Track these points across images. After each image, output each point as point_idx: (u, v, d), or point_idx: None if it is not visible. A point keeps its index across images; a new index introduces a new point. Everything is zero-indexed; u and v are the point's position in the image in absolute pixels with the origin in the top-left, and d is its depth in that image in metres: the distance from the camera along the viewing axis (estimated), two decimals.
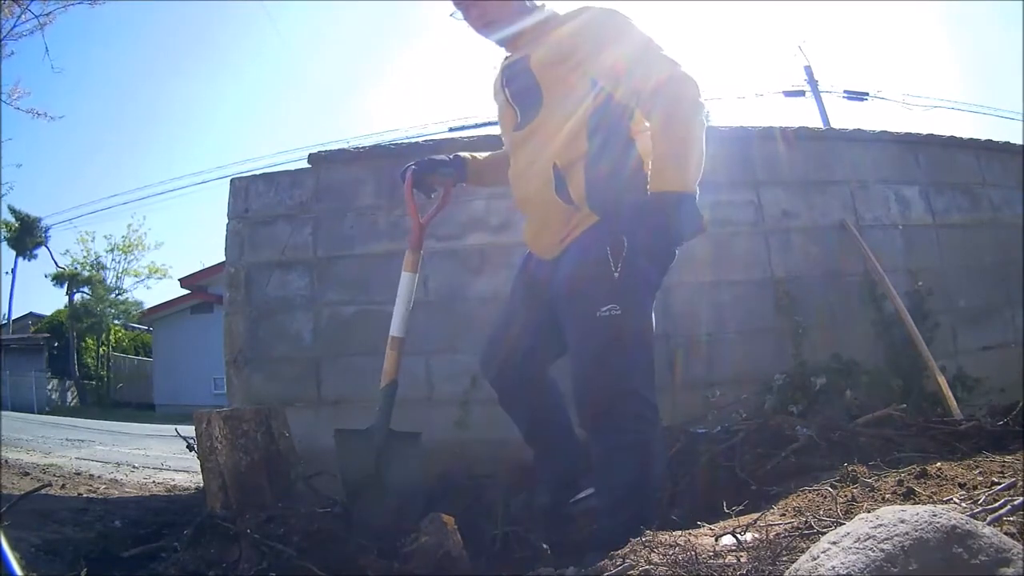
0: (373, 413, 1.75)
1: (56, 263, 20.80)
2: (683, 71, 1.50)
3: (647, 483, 1.53)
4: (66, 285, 20.29)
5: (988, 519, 0.99)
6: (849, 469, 1.53)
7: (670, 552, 1.10)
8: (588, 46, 1.53)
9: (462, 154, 1.89)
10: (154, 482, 3.54)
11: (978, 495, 1.23)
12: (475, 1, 1.61)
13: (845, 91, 13.16)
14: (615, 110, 1.56)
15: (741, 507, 1.36)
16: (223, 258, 2.99)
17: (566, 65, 1.54)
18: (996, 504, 1.09)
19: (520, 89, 1.62)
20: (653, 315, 1.65)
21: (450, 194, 1.91)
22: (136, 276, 21.78)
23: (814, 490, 1.45)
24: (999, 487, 1.24)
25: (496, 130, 1.90)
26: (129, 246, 21.42)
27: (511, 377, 1.77)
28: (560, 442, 1.81)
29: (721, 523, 1.30)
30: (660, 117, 1.49)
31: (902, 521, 0.80)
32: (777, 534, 1.10)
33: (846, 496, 1.36)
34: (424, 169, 1.82)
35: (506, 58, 1.70)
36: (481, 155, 1.90)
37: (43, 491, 2.35)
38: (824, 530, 1.03)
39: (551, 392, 1.82)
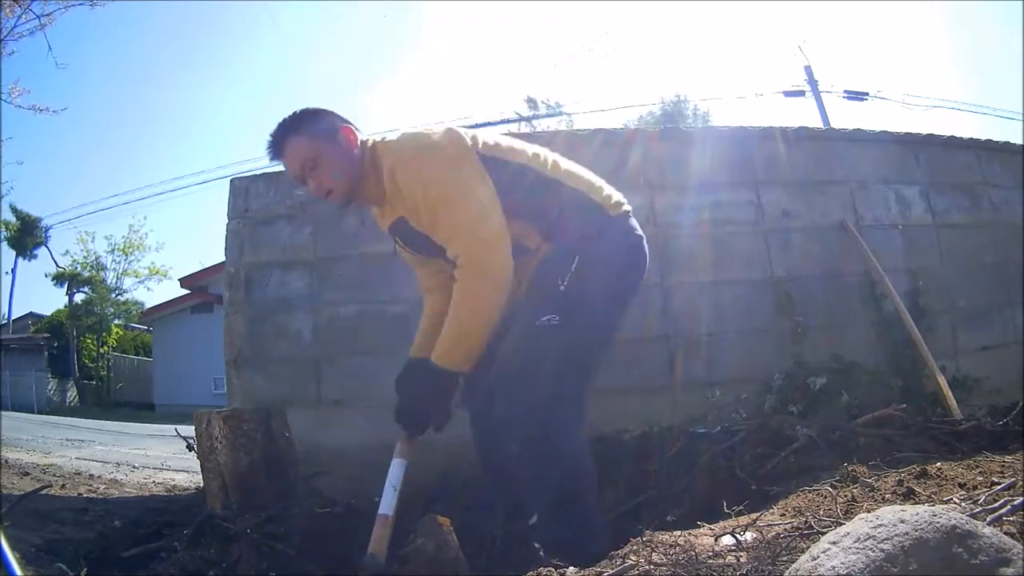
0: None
1: (56, 263, 20.80)
2: (482, 251, 1.49)
3: (574, 500, 1.51)
4: (66, 285, 20.29)
5: (988, 519, 0.99)
6: (849, 469, 1.53)
7: (670, 552, 1.10)
8: (419, 205, 1.54)
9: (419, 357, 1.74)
10: (154, 482, 3.54)
11: (978, 495, 1.23)
12: (307, 175, 1.60)
13: (845, 91, 13.17)
14: (513, 173, 1.59)
15: (741, 507, 1.36)
16: (223, 258, 2.99)
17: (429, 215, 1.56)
18: (996, 504, 1.09)
19: (408, 238, 1.67)
20: (601, 343, 1.67)
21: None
22: (136, 277, 21.79)
23: (814, 490, 1.45)
24: (999, 487, 1.24)
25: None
26: (130, 247, 21.43)
27: (477, 403, 1.75)
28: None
29: (721, 523, 1.30)
30: (460, 292, 1.50)
31: (902, 521, 0.80)
32: (777, 534, 1.10)
33: (846, 496, 1.36)
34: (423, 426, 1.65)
35: (378, 215, 1.74)
36: (425, 336, 1.81)
37: (43, 491, 2.36)
38: (824, 530, 1.03)
39: None
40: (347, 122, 1.64)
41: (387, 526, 1.49)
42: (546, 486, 1.50)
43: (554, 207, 1.63)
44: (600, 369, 1.69)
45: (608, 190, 1.71)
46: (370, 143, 1.64)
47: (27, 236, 19.89)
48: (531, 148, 1.68)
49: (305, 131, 1.59)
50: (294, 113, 1.62)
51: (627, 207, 1.72)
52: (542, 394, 1.50)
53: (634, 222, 1.71)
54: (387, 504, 1.54)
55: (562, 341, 1.53)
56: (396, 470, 1.58)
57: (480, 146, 1.59)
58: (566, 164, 1.70)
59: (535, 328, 1.52)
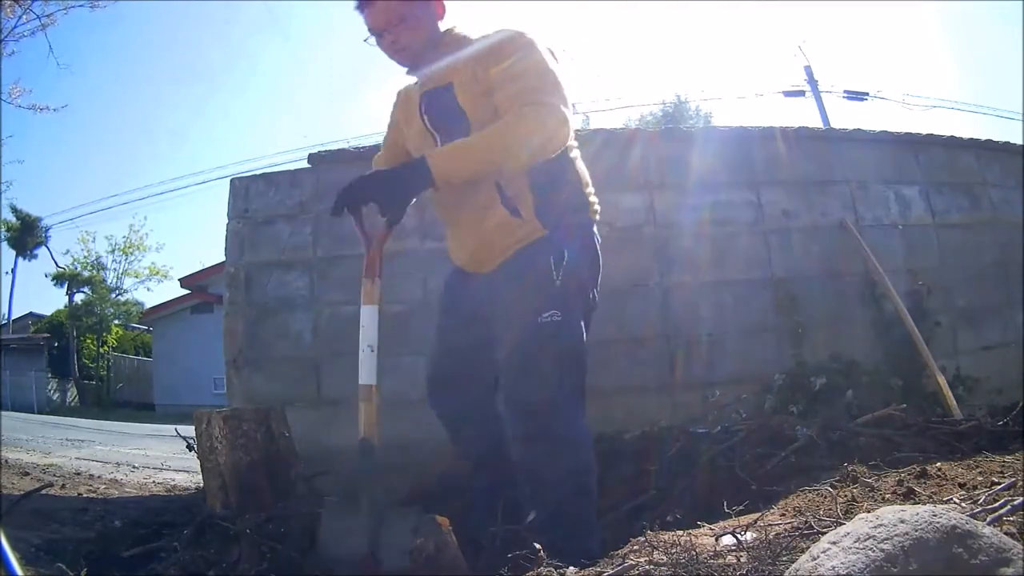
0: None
1: (56, 263, 20.83)
2: (564, 110, 1.51)
3: (581, 494, 1.54)
4: (66, 285, 20.30)
5: (988, 519, 0.99)
6: (849, 469, 1.53)
7: (670, 552, 1.10)
8: (494, 66, 1.54)
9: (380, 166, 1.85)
10: (154, 482, 3.54)
11: (978, 495, 1.23)
12: (388, 29, 1.60)
13: (845, 91, 13.21)
14: None
15: (741, 507, 1.36)
16: (223, 258, 2.99)
17: (485, 90, 1.55)
18: (996, 504, 1.09)
19: (441, 115, 1.63)
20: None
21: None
22: (136, 277, 21.80)
23: (814, 490, 1.45)
24: (999, 487, 1.24)
25: None
26: (130, 247, 21.44)
27: (460, 402, 1.78)
28: (506, 469, 1.75)
29: (721, 523, 1.30)
30: (515, 116, 1.48)
31: (902, 521, 0.80)
32: (777, 534, 1.10)
33: (846, 496, 1.36)
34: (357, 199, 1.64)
35: (420, 84, 1.69)
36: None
37: (43, 491, 2.36)
38: (824, 530, 1.03)
39: (498, 415, 1.77)
40: None
41: (372, 398, 1.39)
42: (554, 482, 1.53)
43: (558, 186, 1.63)
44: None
45: (593, 192, 1.73)
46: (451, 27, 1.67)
47: (27, 236, 19.91)
48: None
49: None
50: None
51: (598, 216, 1.74)
52: (553, 391, 1.54)
53: (597, 233, 1.75)
54: (367, 371, 1.41)
55: (564, 337, 1.56)
56: (368, 320, 1.45)
57: None
58: (577, 151, 1.71)
59: (539, 325, 1.53)
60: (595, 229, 1.72)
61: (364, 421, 1.39)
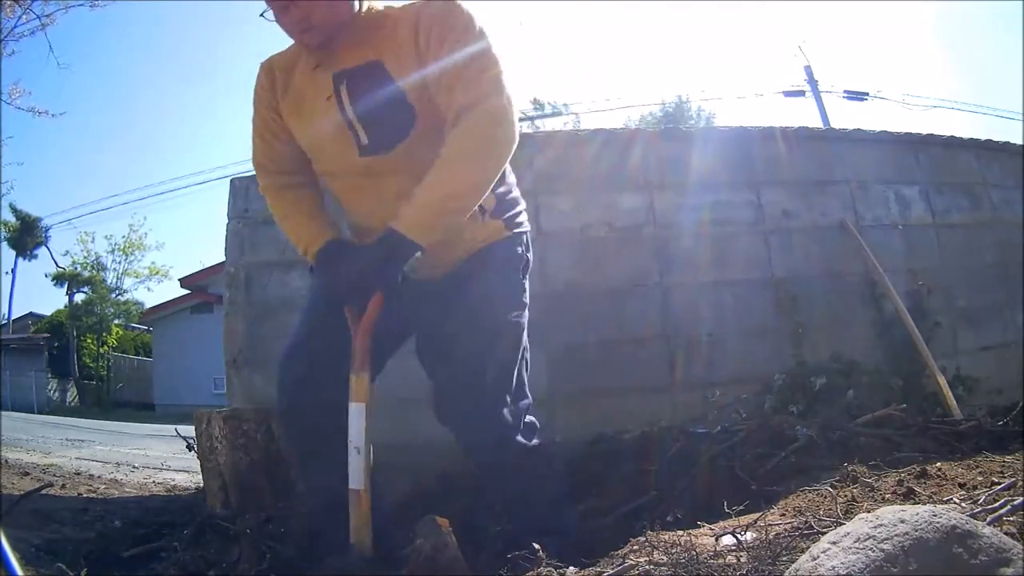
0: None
1: (56, 263, 20.84)
2: (509, 107, 1.31)
3: (545, 487, 1.55)
4: (66, 285, 20.30)
5: (988, 519, 0.99)
6: (849, 469, 1.53)
7: (670, 551, 1.10)
8: (433, 46, 1.31)
9: (330, 238, 1.48)
10: (154, 482, 3.54)
11: (978, 495, 1.23)
12: (294, 6, 1.31)
13: (845, 91, 13.22)
14: None
15: (741, 507, 1.36)
16: (223, 258, 2.99)
17: (438, 75, 1.32)
18: (996, 504, 1.09)
19: (370, 101, 1.34)
20: None
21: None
22: (136, 277, 21.81)
23: (814, 490, 1.45)
24: (999, 487, 1.24)
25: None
26: (130, 247, 21.44)
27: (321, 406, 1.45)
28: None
29: (721, 523, 1.30)
30: (466, 134, 1.29)
31: (902, 521, 0.80)
32: (777, 534, 1.10)
33: (846, 496, 1.36)
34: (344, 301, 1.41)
35: (323, 62, 1.40)
36: (322, 220, 1.54)
37: (43, 491, 2.36)
38: (824, 530, 1.03)
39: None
40: None
41: (360, 502, 1.28)
42: (523, 476, 1.53)
43: (510, 186, 1.56)
44: None
45: (519, 194, 1.62)
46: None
47: (27, 236, 19.92)
48: None
49: None
50: None
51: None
52: (519, 389, 1.53)
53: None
54: (354, 475, 1.28)
55: (521, 338, 1.53)
56: (355, 422, 1.30)
57: None
58: None
59: (508, 324, 1.48)
60: (527, 235, 1.59)
61: (353, 528, 1.28)
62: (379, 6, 1.42)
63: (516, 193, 1.58)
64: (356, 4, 1.38)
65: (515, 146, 1.35)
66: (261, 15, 1.37)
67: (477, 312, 1.45)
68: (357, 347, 1.35)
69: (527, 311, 1.55)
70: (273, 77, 1.48)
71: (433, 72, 1.31)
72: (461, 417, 1.47)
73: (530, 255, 1.58)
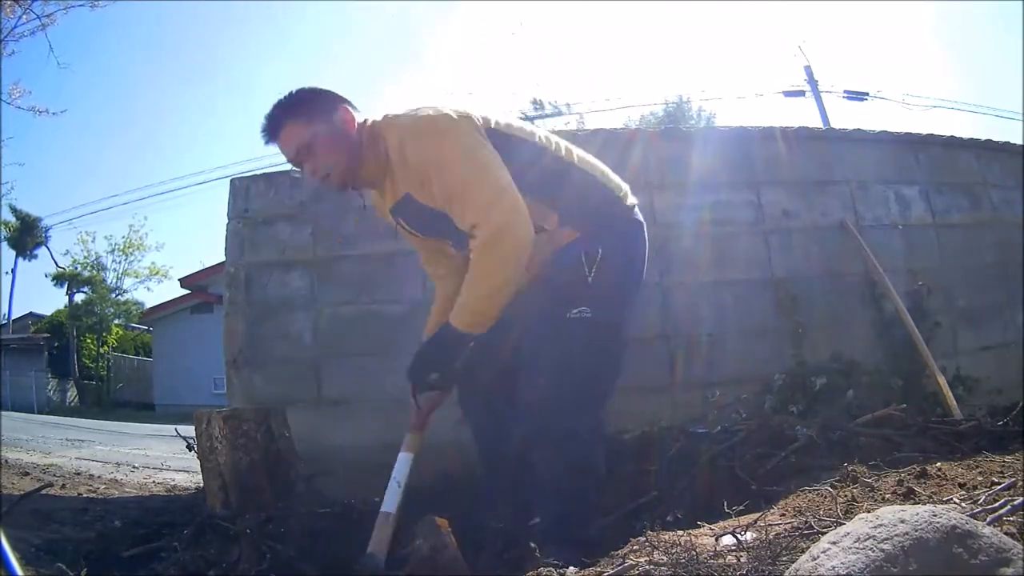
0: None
1: (56, 263, 20.83)
2: (509, 209, 1.44)
3: (589, 493, 1.57)
4: (66, 285, 20.29)
5: (988, 519, 0.99)
6: (849, 469, 1.53)
7: (671, 552, 1.10)
8: (435, 182, 1.50)
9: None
10: (154, 482, 3.54)
11: (978, 495, 1.23)
12: (302, 160, 1.55)
13: (845, 91, 13.22)
14: (531, 152, 1.59)
15: (741, 507, 1.36)
16: (223, 258, 2.99)
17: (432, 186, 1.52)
18: (996, 504, 1.09)
19: (418, 221, 1.65)
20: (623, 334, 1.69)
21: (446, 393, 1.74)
22: (136, 277, 21.80)
23: (814, 490, 1.45)
24: (999, 487, 1.24)
25: None
26: (130, 247, 21.43)
27: (485, 402, 1.77)
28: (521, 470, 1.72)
29: (721, 523, 1.30)
30: (480, 255, 1.45)
31: (902, 521, 0.80)
32: (777, 534, 1.10)
33: (846, 496, 1.36)
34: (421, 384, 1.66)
35: (377, 199, 1.74)
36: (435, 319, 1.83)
37: (43, 491, 2.36)
38: (824, 530, 1.03)
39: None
40: (345, 101, 1.59)
41: (389, 524, 1.46)
42: (564, 477, 1.53)
43: (571, 191, 1.62)
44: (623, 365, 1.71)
45: (617, 179, 1.72)
46: (369, 123, 1.59)
47: (27, 236, 19.92)
48: (540, 131, 1.69)
49: (302, 113, 1.54)
50: (290, 94, 1.56)
51: (634, 199, 1.73)
52: (578, 389, 1.53)
53: (639, 214, 1.73)
54: (390, 501, 1.50)
55: (595, 334, 1.54)
56: (401, 465, 1.55)
57: (493, 124, 1.56)
58: (578, 151, 1.70)
59: (567, 321, 1.52)
60: (638, 215, 1.70)
61: (375, 540, 1.45)
62: (374, 121, 1.60)
63: (587, 191, 1.64)
64: (352, 135, 1.56)
65: (527, 243, 1.46)
66: (291, 172, 1.68)
67: (537, 313, 1.57)
68: (419, 415, 1.65)
69: (605, 307, 1.57)
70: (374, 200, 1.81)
71: (437, 191, 1.50)
72: (523, 404, 1.58)
73: (622, 250, 1.62)
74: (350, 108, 1.59)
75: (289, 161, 1.60)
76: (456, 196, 1.47)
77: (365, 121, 1.60)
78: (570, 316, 1.52)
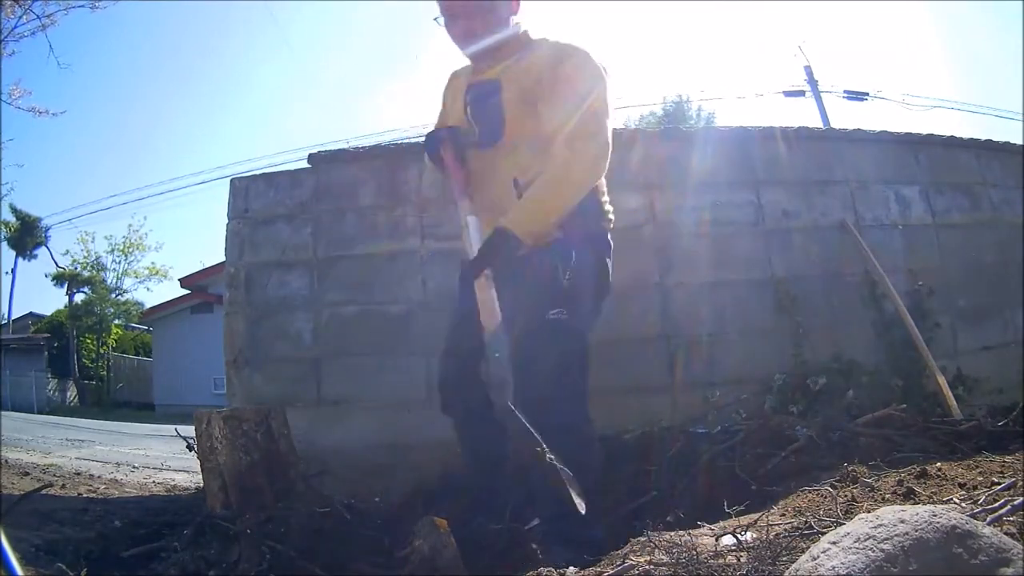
0: None
1: (56, 263, 20.82)
2: (607, 143, 1.64)
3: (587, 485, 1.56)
4: (66, 285, 20.29)
5: (988, 519, 0.99)
6: (849, 469, 1.53)
7: (671, 552, 1.10)
8: (560, 90, 1.63)
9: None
10: (154, 482, 3.54)
11: (978, 495, 1.23)
12: (468, 16, 1.67)
13: (845, 91, 13.22)
14: None
15: (741, 507, 1.36)
16: (223, 258, 2.99)
17: (530, 100, 1.66)
18: (996, 504, 1.09)
19: (481, 109, 1.73)
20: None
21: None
22: (136, 277, 21.79)
23: (814, 490, 1.45)
24: (999, 487, 1.24)
25: None
26: (130, 246, 21.43)
27: (471, 401, 1.79)
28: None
29: (721, 523, 1.30)
30: (553, 172, 1.61)
31: (902, 521, 0.80)
32: (777, 534, 1.10)
33: (846, 496, 1.36)
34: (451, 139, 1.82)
35: (472, 70, 1.79)
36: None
37: (43, 491, 2.36)
38: (824, 530, 1.03)
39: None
40: None
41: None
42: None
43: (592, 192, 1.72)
44: None
45: (608, 200, 1.80)
46: (522, 28, 1.76)
47: (27, 236, 19.91)
48: None
49: None
50: None
51: (613, 223, 1.82)
52: (561, 387, 1.58)
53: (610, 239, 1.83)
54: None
55: (569, 336, 1.62)
56: (475, 226, 1.67)
57: None
58: None
59: (547, 322, 1.59)
60: (609, 238, 1.79)
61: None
62: (529, 34, 1.74)
63: (596, 198, 1.75)
64: (511, 22, 1.70)
65: (603, 173, 1.67)
66: (434, 19, 1.72)
67: (517, 312, 1.63)
68: (457, 180, 1.75)
69: (578, 311, 1.65)
70: (450, 83, 1.92)
71: (551, 104, 1.63)
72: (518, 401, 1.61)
73: (595, 258, 1.72)
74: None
75: (445, 12, 1.70)
76: (575, 112, 1.61)
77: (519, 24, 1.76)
78: (549, 317, 1.60)
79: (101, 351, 21.00)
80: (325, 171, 2.94)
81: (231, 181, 2.99)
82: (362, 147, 3.12)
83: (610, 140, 1.65)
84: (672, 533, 1.21)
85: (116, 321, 21.58)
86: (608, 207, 1.80)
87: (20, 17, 6.63)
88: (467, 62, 1.87)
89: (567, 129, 1.61)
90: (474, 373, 1.77)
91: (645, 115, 18.42)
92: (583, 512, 1.52)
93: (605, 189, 1.80)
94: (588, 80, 1.64)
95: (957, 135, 3.45)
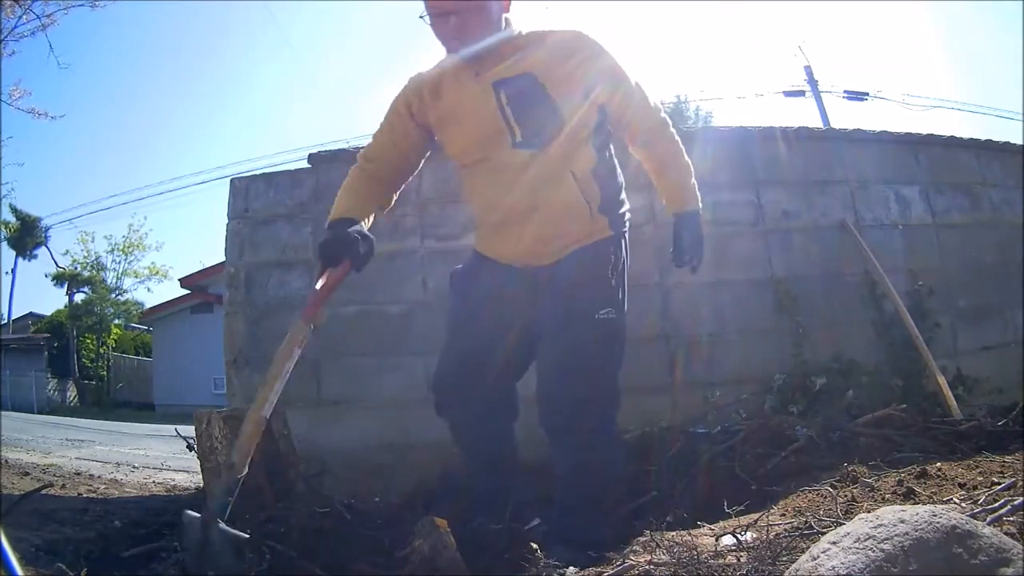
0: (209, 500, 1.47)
1: (56, 263, 20.80)
2: (664, 118, 1.73)
3: (606, 493, 1.61)
4: (66, 285, 20.28)
5: (988, 519, 0.99)
6: (849, 469, 1.53)
7: (671, 552, 1.10)
8: (595, 74, 1.61)
9: (363, 229, 1.69)
10: (154, 482, 3.53)
11: (978, 495, 1.23)
12: (459, 13, 1.54)
13: (845, 91, 13.21)
14: (605, 130, 1.70)
15: (741, 507, 1.36)
16: (223, 258, 2.99)
17: (578, 88, 1.60)
18: (996, 504, 1.09)
19: (525, 105, 1.60)
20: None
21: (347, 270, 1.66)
22: (136, 277, 21.78)
23: (814, 490, 1.45)
24: (999, 487, 1.24)
25: None
26: (130, 246, 21.42)
27: (479, 400, 1.73)
28: (513, 470, 1.80)
29: (721, 523, 1.30)
30: (667, 152, 1.75)
31: (902, 521, 0.80)
32: (777, 534, 1.10)
33: (846, 496, 1.36)
34: (337, 253, 1.65)
35: (476, 73, 1.63)
36: (365, 209, 1.77)
37: (43, 491, 2.35)
38: (824, 530, 1.03)
39: (513, 413, 1.81)
40: None
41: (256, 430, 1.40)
42: (587, 473, 1.56)
43: (613, 186, 1.72)
44: None
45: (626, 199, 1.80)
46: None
47: (27, 236, 19.88)
48: None
49: None
50: None
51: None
52: (601, 389, 1.58)
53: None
54: (267, 405, 1.45)
55: (616, 336, 1.62)
56: (283, 359, 1.53)
57: None
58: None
59: (596, 321, 1.58)
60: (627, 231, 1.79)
61: (240, 452, 1.38)
62: (520, 27, 1.66)
63: (623, 195, 1.76)
64: (503, 24, 1.62)
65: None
66: (420, 17, 1.60)
67: (566, 308, 1.60)
68: (314, 300, 1.59)
69: (623, 308, 1.65)
70: (422, 89, 1.71)
71: (590, 97, 1.61)
72: (546, 401, 1.59)
73: (626, 256, 1.71)
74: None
75: (434, 10, 1.58)
76: (618, 87, 1.63)
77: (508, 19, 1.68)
78: (599, 316, 1.58)
79: (101, 351, 20.98)
80: (325, 171, 2.94)
81: (231, 181, 3.00)
82: (362, 147, 3.11)
83: (657, 105, 1.75)
84: (672, 533, 1.21)
85: (116, 321, 21.57)
86: (627, 204, 1.78)
87: (20, 17, 6.63)
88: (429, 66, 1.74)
89: (633, 126, 1.68)
90: (473, 374, 1.73)
91: None
92: (594, 512, 1.53)
93: (621, 182, 1.79)
94: (606, 58, 1.64)
95: (957, 135, 3.46)
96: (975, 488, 1.33)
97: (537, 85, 1.58)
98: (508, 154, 1.63)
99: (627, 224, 1.75)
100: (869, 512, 0.87)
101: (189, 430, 2.04)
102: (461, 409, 1.78)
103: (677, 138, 1.74)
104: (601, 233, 1.65)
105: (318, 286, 1.59)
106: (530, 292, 1.68)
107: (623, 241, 1.71)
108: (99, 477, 3.54)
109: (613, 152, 1.75)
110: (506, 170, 1.65)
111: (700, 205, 1.81)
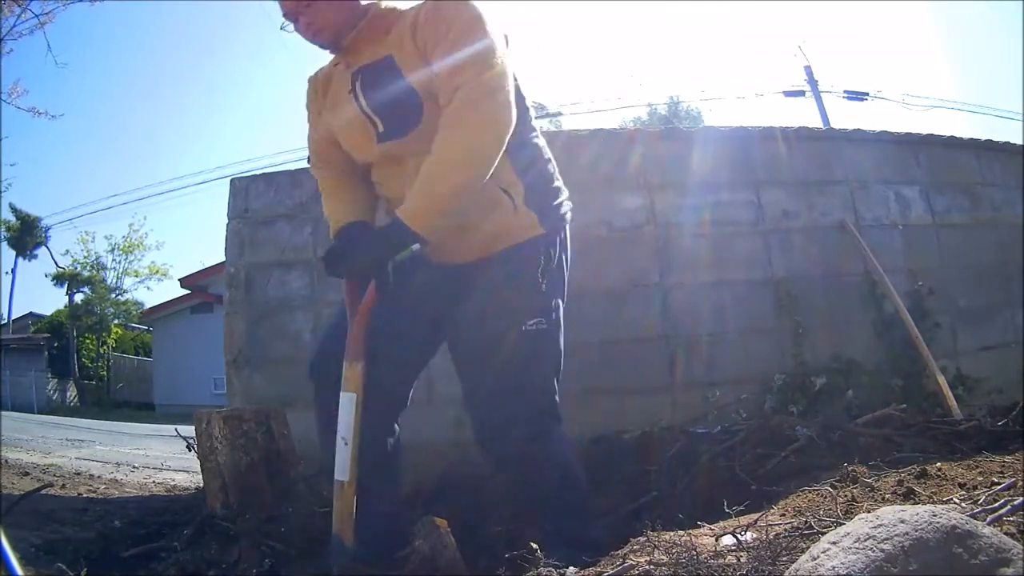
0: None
1: (56, 263, 20.79)
2: (509, 110, 1.35)
3: (578, 495, 1.53)
4: (66, 285, 20.27)
5: (988, 519, 0.99)
6: (849, 469, 1.53)
7: (671, 552, 1.10)
8: (439, 40, 1.36)
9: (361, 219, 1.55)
10: (154, 482, 3.54)
11: (978, 495, 1.23)
12: (303, 13, 1.43)
13: (845, 91, 13.21)
14: (521, 106, 1.43)
15: (741, 507, 1.35)
16: (223, 258, 3.00)
17: (425, 61, 1.38)
18: (996, 504, 1.09)
19: (382, 93, 1.43)
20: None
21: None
22: (136, 276, 21.78)
23: (814, 490, 1.45)
24: (999, 487, 1.24)
25: None
26: (130, 246, 21.42)
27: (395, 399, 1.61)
28: (397, 483, 1.66)
29: (721, 523, 1.30)
30: (457, 113, 1.32)
31: (902, 521, 0.80)
32: (777, 534, 1.10)
33: (846, 496, 1.36)
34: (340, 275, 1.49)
35: (346, 63, 1.51)
36: (357, 207, 1.58)
37: (43, 491, 2.36)
38: (824, 530, 1.03)
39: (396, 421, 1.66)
40: None
41: (346, 494, 1.28)
42: (548, 488, 1.52)
43: (538, 173, 1.52)
44: None
45: (561, 183, 1.59)
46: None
47: (27, 236, 19.88)
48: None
49: None
50: None
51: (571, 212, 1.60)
52: (540, 400, 1.50)
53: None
54: (341, 466, 1.28)
55: (549, 346, 1.49)
56: (345, 412, 1.30)
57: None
58: (540, 139, 1.58)
59: (524, 334, 1.45)
60: (568, 232, 1.58)
61: (337, 518, 1.29)
62: (393, 5, 1.50)
63: (557, 183, 1.56)
64: (361, 4, 1.46)
65: (512, 122, 1.35)
66: (281, 28, 1.49)
67: (487, 320, 1.47)
68: (352, 334, 1.37)
69: (555, 315, 1.49)
70: (316, 86, 1.62)
71: (437, 68, 1.35)
72: (474, 413, 1.50)
73: (565, 254, 1.54)
74: None
75: (285, 15, 1.46)
76: (460, 67, 1.33)
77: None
78: (526, 329, 1.44)
79: (101, 351, 20.98)
80: None
81: (231, 181, 3.00)
82: None
83: (512, 101, 1.36)
84: (672, 533, 1.21)
85: (116, 321, 21.56)
86: (564, 192, 1.58)
87: (19, 16, 6.62)
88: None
89: (457, 84, 1.32)
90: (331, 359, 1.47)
91: (640, 116, 18.37)
92: (576, 513, 1.52)
93: (557, 174, 1.58)
94: (461, 28, 1.35)
95: (957, 135, 3.46)
96: (975, 488, 1.33)
97: (395, 68, 1.41)
98: (379, 148, 1.47)
99: (566, 220, 1.55)
100: (869, 512, 0.87)
101: (189, 430, 2.04)
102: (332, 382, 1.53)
103: (489, 102, 1.33)
104: (530, 231, 1.47)
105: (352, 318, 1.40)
106: (450, 290, 1.51)
107: (559, 238, 1.53)
108: (99, 477, 3.54)
109: (539, 136, 1.56)
110: (388, 164, 1.50)
111: (418, 228, 1.33)
